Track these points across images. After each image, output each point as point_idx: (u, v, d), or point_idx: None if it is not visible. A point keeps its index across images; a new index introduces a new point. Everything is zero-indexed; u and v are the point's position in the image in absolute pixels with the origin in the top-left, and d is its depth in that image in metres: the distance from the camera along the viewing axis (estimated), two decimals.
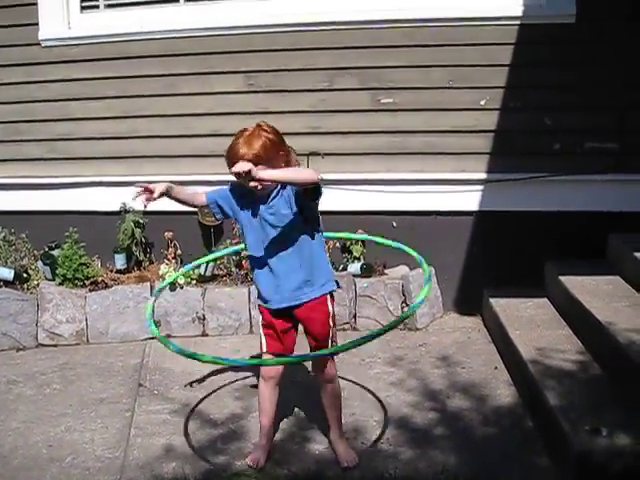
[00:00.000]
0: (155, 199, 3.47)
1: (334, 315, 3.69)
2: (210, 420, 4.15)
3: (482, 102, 5.32)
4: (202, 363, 4.63)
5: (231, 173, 3.37)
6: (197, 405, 4.32)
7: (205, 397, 4.41)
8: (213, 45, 5.53)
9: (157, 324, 5.27)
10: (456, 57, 5.29)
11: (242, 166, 3.24)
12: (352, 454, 3.70)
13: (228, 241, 5.53)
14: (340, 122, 5.49)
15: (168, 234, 5.56)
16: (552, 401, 3.75)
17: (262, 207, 3.53)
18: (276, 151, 3.45)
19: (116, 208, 5.66)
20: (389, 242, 4.28)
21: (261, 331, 3.72)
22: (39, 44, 5.74)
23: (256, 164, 3.33)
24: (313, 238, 3.57)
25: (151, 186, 3.47)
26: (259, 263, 3.59)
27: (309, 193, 3.40)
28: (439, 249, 5.42)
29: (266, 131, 3.45)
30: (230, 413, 4.20)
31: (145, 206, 3.50)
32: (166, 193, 3.51)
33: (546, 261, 5.27)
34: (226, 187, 3.68)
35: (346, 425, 3.94)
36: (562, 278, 4.87)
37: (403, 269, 5.50)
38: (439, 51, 5.31)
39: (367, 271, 5.42)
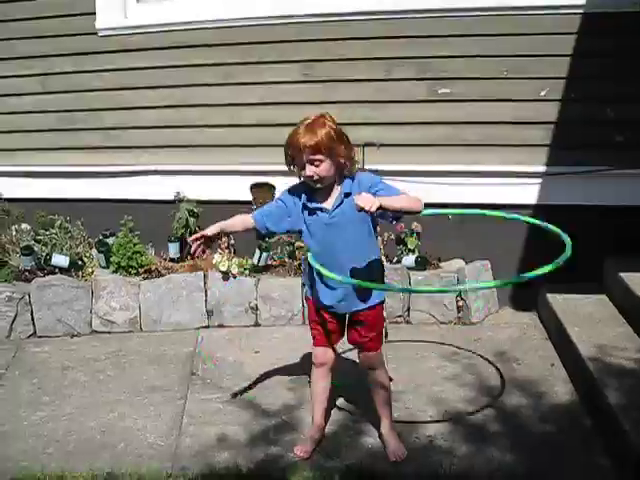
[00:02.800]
0: (210, 240, 3.52)
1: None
2: (263, 411, 4.13)
3: (542, 93, 5.21)
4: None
5: (289, 165, 3.38)
6: (250, 395, 4.30)
7: (258, 387, 4.38)
8: (269, 35, 5.51)
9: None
10: (516, 47, 5.18)
11: (367, 202, 3.11)
12: (401, 448, 3.66)
13: None
14: (397, 112, 5.43)
15: None
16: (612, 399, 3.66)
17: (323, 214, 3.43)
18: (339, 143, 3.34)
19: (171, 197, 5.71)
20: (536, 221, 3.89)
21: (310, 325, 3.71)
22: (96, 33, 5.78)
23: (317, 153, 3.27)
24: (373, 243, 3.56)
25: (200, 233, 3.51)
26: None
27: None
28: (494, 243, 5.34)
29: (330, 121, 3.36)
30: (283, 404, 4.18)
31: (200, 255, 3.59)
32: (219, 234, 3.54)
33: (606, 257, 5.15)
34: (274, 204, 3.58)
35: (400, 419, 3.90)
36: (622, 274, 4.76)
37: (458, 262, 5.43)
38: (499, 41, 5.20)
39: (422, 264, 5.34)
